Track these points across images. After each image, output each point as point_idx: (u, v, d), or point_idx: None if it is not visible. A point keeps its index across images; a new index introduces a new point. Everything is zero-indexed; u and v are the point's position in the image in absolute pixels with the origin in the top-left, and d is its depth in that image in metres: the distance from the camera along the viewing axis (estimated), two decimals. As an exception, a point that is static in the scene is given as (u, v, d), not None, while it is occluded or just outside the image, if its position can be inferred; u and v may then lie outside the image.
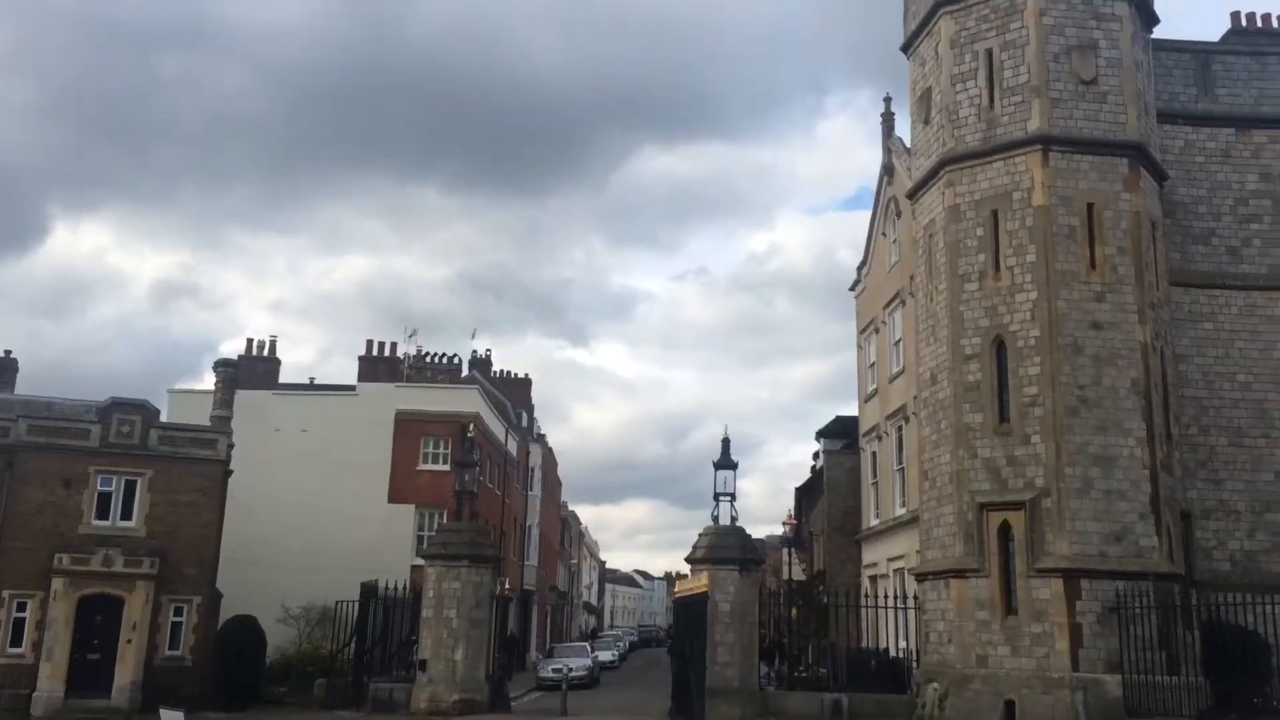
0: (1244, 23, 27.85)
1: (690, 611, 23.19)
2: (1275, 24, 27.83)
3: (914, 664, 22.82)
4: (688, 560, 23.52)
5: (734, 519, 23.48)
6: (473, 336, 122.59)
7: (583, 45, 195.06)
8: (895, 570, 28.86)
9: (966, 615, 20.15)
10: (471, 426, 32.78)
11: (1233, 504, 22.85)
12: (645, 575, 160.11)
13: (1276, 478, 23.00)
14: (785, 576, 41.80)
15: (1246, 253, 24.31)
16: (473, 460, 27.92)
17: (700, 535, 23.19)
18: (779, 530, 46.83)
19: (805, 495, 48.36)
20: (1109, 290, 20.91)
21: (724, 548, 22.35)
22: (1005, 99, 22.12)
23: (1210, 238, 24.37)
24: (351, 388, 42.02)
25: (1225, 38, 27.37)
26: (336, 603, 26.97)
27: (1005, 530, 20.14)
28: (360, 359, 43.07)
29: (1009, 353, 20.96)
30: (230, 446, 29.65)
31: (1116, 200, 21.41)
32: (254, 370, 39.87)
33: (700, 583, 22.27)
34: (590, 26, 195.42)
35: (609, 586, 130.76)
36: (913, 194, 24.73)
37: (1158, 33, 24.11)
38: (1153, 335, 21.03)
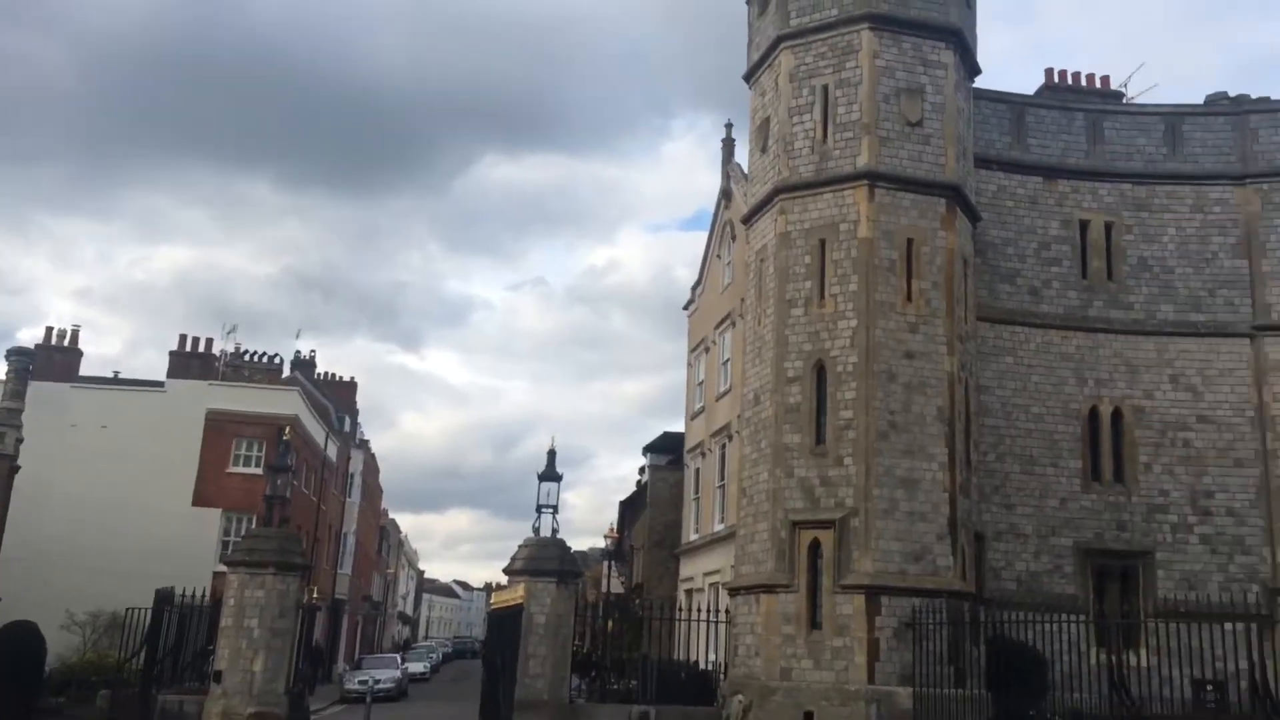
0: (1056, 79, 29.93)
1: (505, 623, 22.93)
2: (1084, 83, 30.03)
3: (722, 676, 23.25)
4: (506, 571, 23.28)
5: (555, 531, 23.40)
6: (297, 336, 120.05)
7: (430, 47, 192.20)
8: (711, 584, 29.41)
9: (774, 629, 20.68)
10: (288, 429, 31.57)
11: (1022, 527, 24.35)
12: (465, 586, 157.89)
13: (1062, 504, 24.65)
14: (604, 589, 41.99)
15: (1046, 293, 26.01)
16: (287, 464, 26.82)
17: (520, 546, 23.00)
18: (602, 543, 47.02)
19: (629, 509, 48.77)
20: (922, 322, 21.94)
21: (543, 559, 22.23)
22: (838, 134, 22.96)
23: (1015, 278, 25.97)
24: (160, 383, 39.87)
25: (1039, 92, 29.30)
26: (127, 609, 25.37)
27: (815, 547, 20.79)
28: (171, 354, 40.92)
29: (829, 377, 21.70)
30: (19, 441, 27.61)
31: (934, 237, 22.51)
32: (52, 361, 37.38)
33: (517, 594, 22.07)
34: (438, 28, 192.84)
35: (426, 597, 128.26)
36: (748, 219, 25.35)
37: (979, 82, 25.55)
38: (959, 366, 22.18)
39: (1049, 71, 29.92)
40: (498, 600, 25.59)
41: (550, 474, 23.70)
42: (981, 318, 24.71)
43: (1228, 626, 17.14)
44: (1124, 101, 29.32)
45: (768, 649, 20.67)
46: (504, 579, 24.74)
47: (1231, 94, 28.37)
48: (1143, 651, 18.44)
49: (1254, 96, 27.94)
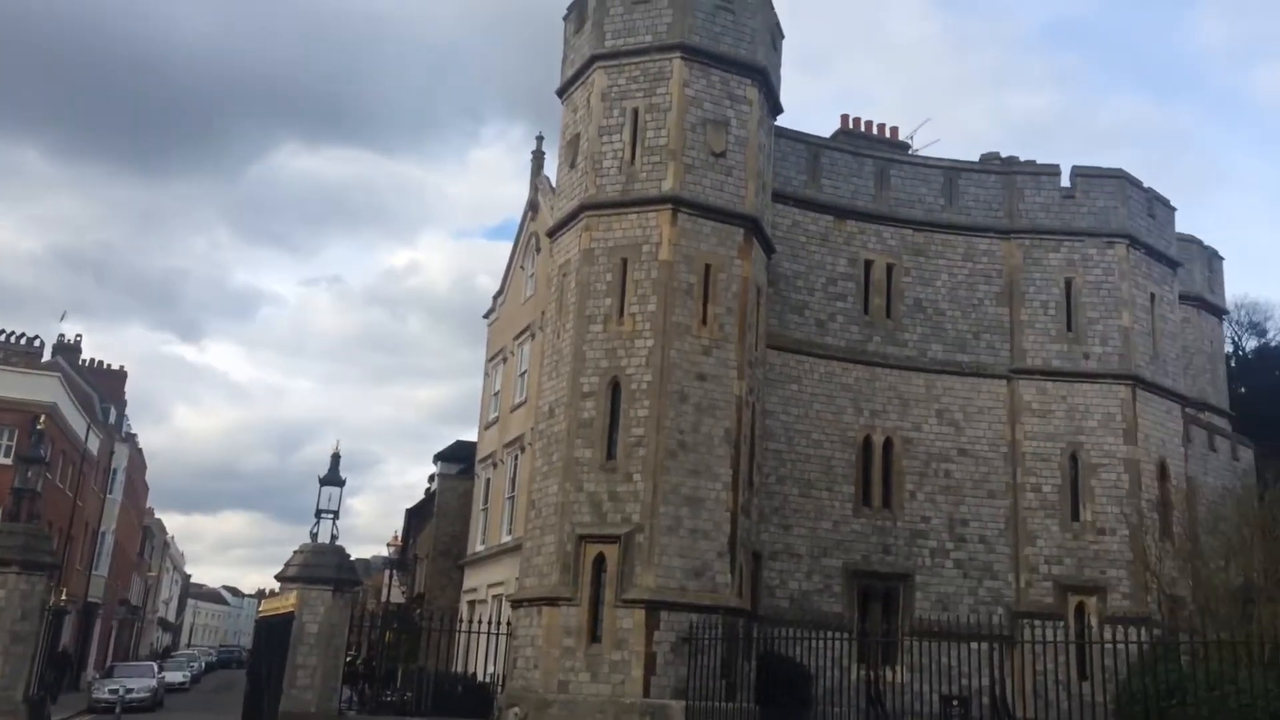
0: (851, 125, 31.66)
1: (274, 631, 21.95)
2: (875, 131, 31.89)
3: (500, 689, 23.11)
4: (278, 578, 22.28)
5: (335, 537, 22.57)
6: (61, 318, 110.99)
7: (235, 24, 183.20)
8: (495, 596, 29.18)
9: (554, 642, 20.75)
10: (44, 418, 29.22)
11: (796, 548, 25.48)
12: (235, 592, 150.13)
13: (834, 526, 25.95)
14: (384, 599, 40.90)
15: (831, 326, 27.40)
16: (40, 455, 24.83)
17: (295, 552, 22.07)
18: (385, 551, 45.82)
19: (415, 517, 47.78)
20: (715, 346, 22.64)
21: (319, 566, 21.41)
22: (645, 157, 23.43)
23: (804, 309, 27.23)
24: (-103, 359, 36.06)
25: (835, 136, 30.93)
26: None
27: (600, 562, 21.02)
28: (-89, 329, 37.12)
29: (623, 394, 22.03)
30: None
31: (730, 265, 23.30)
32: None
33: (289, 601, 21.16)
34: (240, 8, 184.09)
35: (192, 602, 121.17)
36: (553, 232, 25.46)
37: (780, 121, 26.70)
38: (748, 391, 23.00)
39: (844, 118, 31.65)
40: (268, 608, 24.48)
41: (333, 478, 22.90)
42: (771, 345, 25.76)
43: (975, 646, 18.51)
44: (910, 153, 31.36)
45: (547, 661, 20.70)
46: (278, 586, 23.71)
47: (1003, 155, 30.82)
48: (899, 668, 19.66)
49: (1022, 159, 30.47)
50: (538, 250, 31.27)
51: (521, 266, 33.99)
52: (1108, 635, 18.80)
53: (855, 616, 25.27)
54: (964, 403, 27.81)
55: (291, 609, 20.68)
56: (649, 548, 20.80)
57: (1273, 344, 46.12)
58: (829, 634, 18.86)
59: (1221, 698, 13.63)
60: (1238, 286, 73.71)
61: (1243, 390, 39.96)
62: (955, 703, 17.04)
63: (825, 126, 32.50)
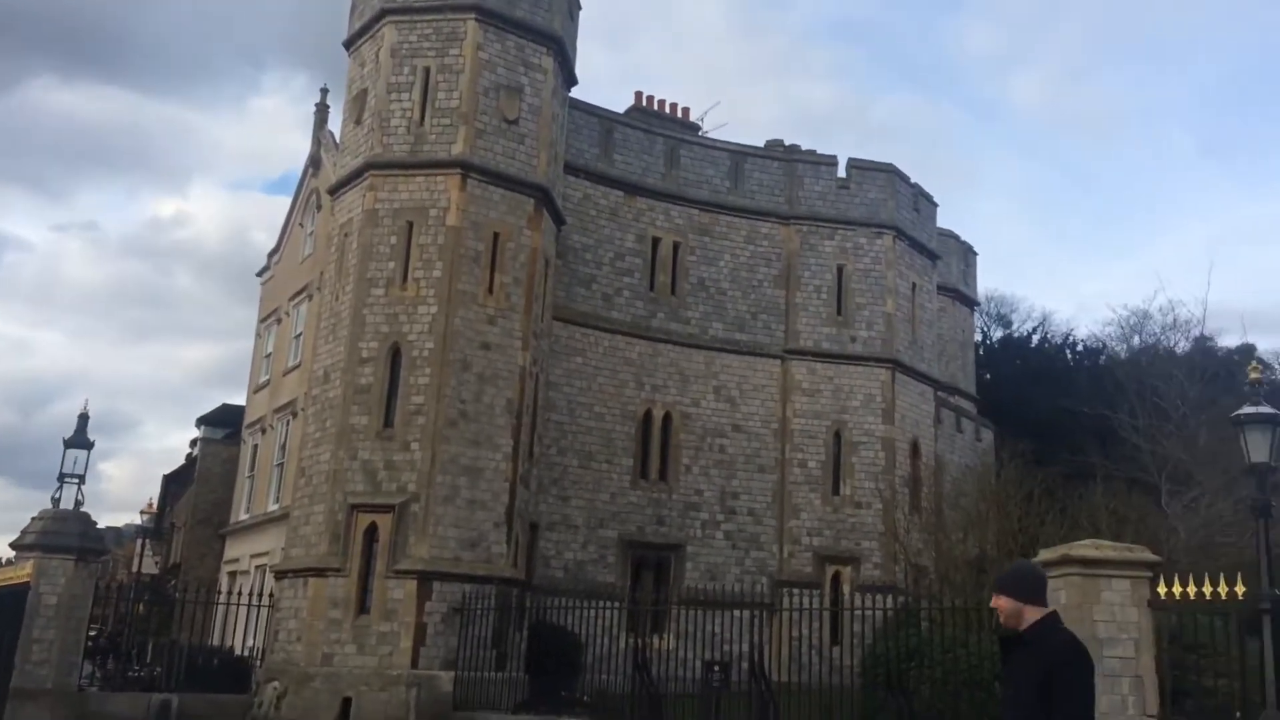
0: (644, 103, 32.02)
1: (5, 603, 20.22)
2: (668, 110, 32.39)
3: (259, 663, 22.20)
4: (13, 546, 20.56)
5: (79, 503, 20.99)
6: None
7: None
8: (258, 567, 27.97)
9: (319, 614, 20.12)
10: None
11: (574, 519, 25.75)
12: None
13: (612, 498, 26.40)
14: (136, 569, 38.47)
15: (618, 301, 27.74)
16: None
17: (33, 519, 20.38)
18: (139, 519, 43.03)
19: (174, 484, 45.17)
20: (501, 315, 22.43)
21: (60, 534, 19.83)
22: (436, 119, 22.84)
23: (591, 283, 27.42)
24: None
25: (628, 112, 31.18)
26: None
27: (373, 532, 20.51)
28: None
29: (403, 361, 21.50)
30: None
31: (519, 234, 23.10)
32: None
33: (24, 571, 19.53)
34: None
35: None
36: (335, 190, 24.47)
37: (575, 93, 26.66)
38: (531, 361, 22.95)
39: (638, 94, 31.98)
40: (1, 578, 22.51)
41: (80, 440, 21.26)
42: (557, 317, 25.80)
43: (739, 613, 19.28)
44: (700, 134, 32.07)
45: (310, 634, 20.05)
46: (14, 554, 21.84)
47: (787, 142, 32.02)
48: (668, 635, 20.19)
49: (804, 148, 31.76)
50: (318, 208, 30.00)
51: (301, 224, 32.52)
52: (858, 603, 20.04)
53: (628, 586, 25.84)
54: (740, 380, 28.84)
55: (27, 579, 19.11)
56: (424, 518, 20.46)
57: (1016, 335, 50.24)
58: (601, 603, 19.16)
59: (954, 660, 14.75)
60: (989, 281, 79.89)
61: (988, 377, 43.37)
62: (716, 668, 17.71)
63: (620, 102, 32.72)
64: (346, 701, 19.17)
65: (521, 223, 23.15)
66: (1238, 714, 11.95)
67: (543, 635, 20.13)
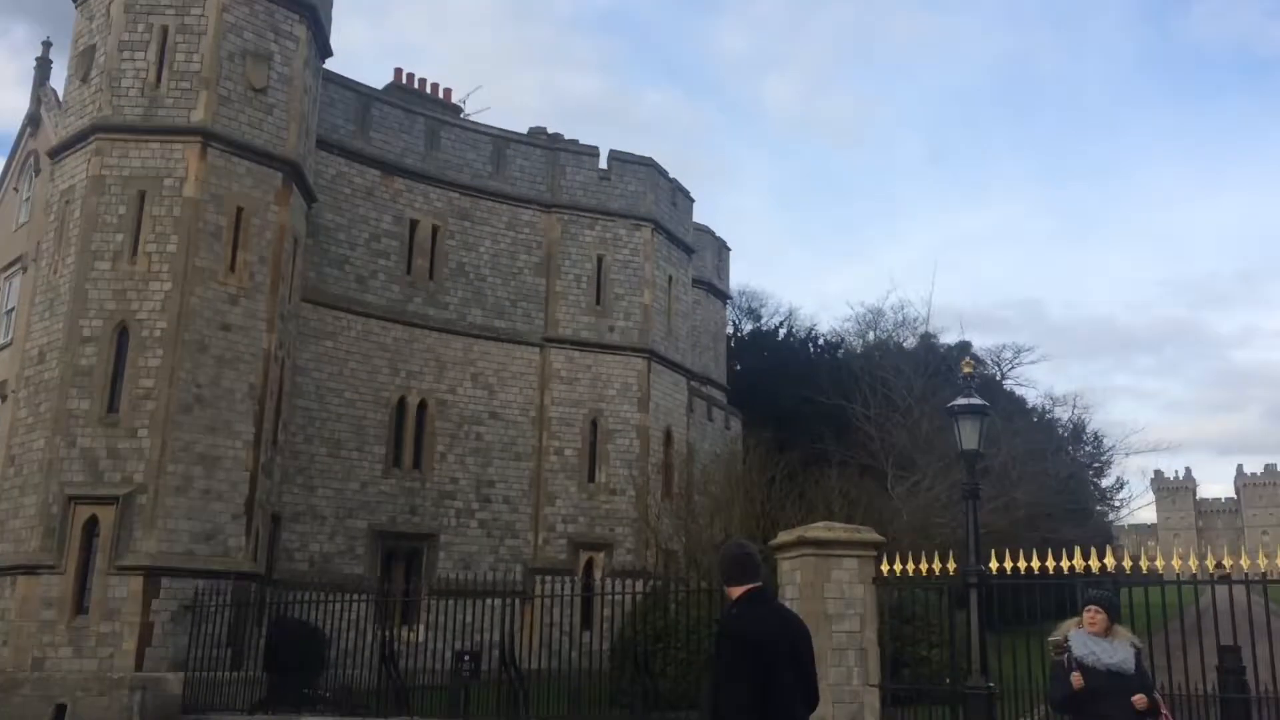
0: (405, 80, 31.14)
1: None
2: (429, 90, 31.64)
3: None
4: None
5: None
6: None
7: None
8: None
9: (30, 615, 18.36)
10: None
11: (321, 509, 24.76)
12: None
13: (362, 487, 25.58)
14: None
15: (373, 284, 26.86)
16: None
17: None
18: None
19: None
20: (244, 295, 21.19)
21: None
22: (174, 82, 21.26)
23: (344, 264, 26.41)
24: None
25: (388, 89, 30.24)
26: None
27: (93, 525, 18.91)
28: None
29: (131, 341, 19.92)
30: None
31: (266, 210, 21.90)
32: None
33: None
34: None
35: None
36: (56, 153, 22.34)
37: (331, 66, 25.56)
38: (277, 345, 21.83)
39: (398, 72, 31.10)
40: None
41: None
42: (307, 299, 24.69)
43: (491, 602, 19.14)
44: (462, 116, 31.55)
45: (19, 637, 18.28)
46: None
47: (550, 130, 32.08)
48: (419, 627, 19.77)
49: (566, 137, 31.91)
50: (36, 171, 27.24)
51: (15, 188, 29.42)
52: (609, 588, 20.39)
53: (379, 577, 25.12)
54: (499, 368, 28.66)
55: None
56: (153, 510, 19.05)
57: (765, 329, 52.65)
58: (347, 596, 18.52)
59: (699, 641, 15.28)
60: (741, 276, 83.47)
61: (738, 368, 45.19)
62: (467, 657, 17.52)
63: (379, 79, 31.68)
64: (61, 708, 17.62)
65: (269, 198, 21.97)
66: (947, 679, 12.99)
67: (286, 631, 19.22)
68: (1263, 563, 11.85)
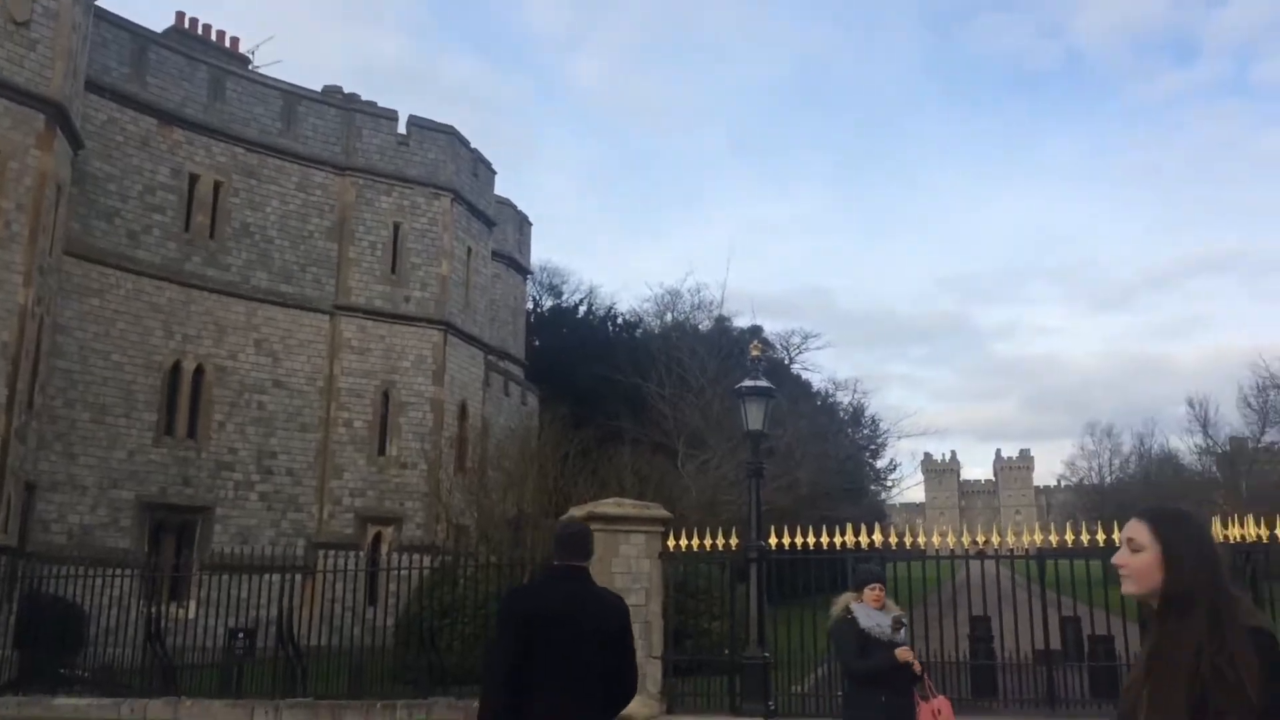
0: (187, 25, 29.18)
1: None
2: (214, 38, 29.78)
3: None
4: None
5: None
6: None
7: None
8: None
9: None
10: None
11: (82, 478, 23.04)
12: None
13: (130, 456, 23.96)
14: None
15: (146, 240, 25.11)
16: None
17: None
18: None
19: None
20: (-2, 245, 19.40)
21: None
22: (-83, 2, 19.12)
23: (114, 217, 24.56)
24: None
25: (168, 33, 28.25)
26: None
27: None
28: None
29: None
30: None
31: (26, 154, 20.09)
32: None
33: None
34: None
35: None
36: None
37: (103, 3, 23.65)
38: (35, 300, 20.13)
39: (180, 15, 29.13)
40: None
41: None
42: (70, 253, 22.86)
43: (270, 577, 18.37)
44: (250, 68, 29.88)
45: None
46: None
47: (346, 90, 30.83)
48: (190, 603, 18.78)
49: (364, 99, 30.78)
50: None
51: None
52: (397, 562, 19.96)
53: (147, 551, 23.63)
54: (284, 334, 27.45)
55: None
56: (-118, 478, 17.20)
57: (565, 305, 52.76)
58: (110, 571, 17.34)
59: (487, 615, 15.18)
60: (543, 251, 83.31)
61: (537, 344, 45.12)
62: (241, 634, 16.78)
63: (159, 21, 29.56)
64: None
65: (29, 141, 20.16)
66: (726, 650, 13.47)
67: (40, 607, 17.79)
68: (1011, 539, 12.91)
